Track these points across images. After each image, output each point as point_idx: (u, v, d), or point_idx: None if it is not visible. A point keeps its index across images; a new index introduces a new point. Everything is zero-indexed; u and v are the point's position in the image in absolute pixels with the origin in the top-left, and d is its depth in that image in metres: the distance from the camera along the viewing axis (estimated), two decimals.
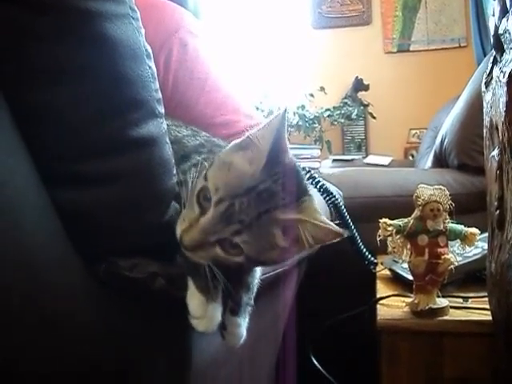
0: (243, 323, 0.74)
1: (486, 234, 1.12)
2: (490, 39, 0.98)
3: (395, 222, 1.07)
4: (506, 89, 0.83)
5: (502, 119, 0.86)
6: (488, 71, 1.00)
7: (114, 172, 0.58)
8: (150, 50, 0.62)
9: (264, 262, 0.71)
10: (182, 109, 1.02)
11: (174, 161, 0.66)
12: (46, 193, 0.53)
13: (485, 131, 1.02)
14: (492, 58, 0.96)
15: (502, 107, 0.86)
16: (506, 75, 0.84)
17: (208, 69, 1.13)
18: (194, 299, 0.66)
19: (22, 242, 0.49)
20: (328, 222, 0.64)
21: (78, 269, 0.58)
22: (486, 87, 1.00)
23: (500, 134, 0.89)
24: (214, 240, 0.63)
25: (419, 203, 1.06)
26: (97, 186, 0.58)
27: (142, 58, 0.59)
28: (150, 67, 0.61)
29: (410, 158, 3.65)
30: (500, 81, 0.87)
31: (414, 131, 3.79)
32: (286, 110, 0.63)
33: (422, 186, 1.09)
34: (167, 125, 0.74)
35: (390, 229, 1.06)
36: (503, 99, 0.84)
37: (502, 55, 0.89)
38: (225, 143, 0.79)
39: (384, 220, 1.07)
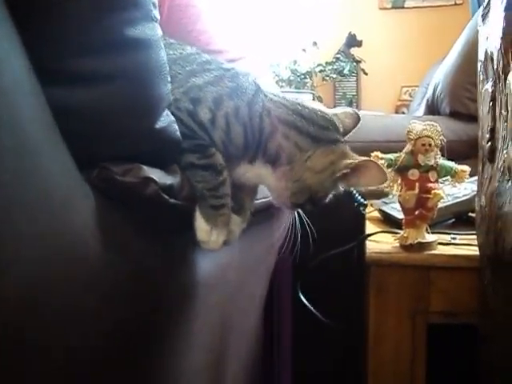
0: (241, 225, 0.79)
1: (475, 178, 1.13)
2: None
3: (387, 155, 1.07)
4: (504, 14, 0.83)
5: (498, 47, 0.86)
6: (485, 4, 0.99)
7: (109, 71, 0.57)
8: None
9: None
10: (177, 35, 1.01)
11: (170, 68, 0.66)
12: (41, 89, 0.52)
13: (479, 65, 1.02)
14: None
15: (498, 35, 0.85)
16: (505, 2, 0.84)
17: (203, 0, 1.12)
18: (199, 225, 0.71)
19: (17, 127, 0.47)
20: None
21: (73, 171, 0.57)
22: (483, 20, 1.00)
23: (495, 64, 0.89)
24: None
25: (411, 137, 1.06)
26: (90, 84, 0.57)
27: None
28: None
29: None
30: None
31: (405, 89, 3.78)
32: None
33: (414, 121, 1.09)
34: (171, 42, 0.74)
35: (381, 162, 1.06)
36: (500, 26, 0.84)
37: None
38: (242, 72, 0.81)
39: (376, 153, 1.07)
